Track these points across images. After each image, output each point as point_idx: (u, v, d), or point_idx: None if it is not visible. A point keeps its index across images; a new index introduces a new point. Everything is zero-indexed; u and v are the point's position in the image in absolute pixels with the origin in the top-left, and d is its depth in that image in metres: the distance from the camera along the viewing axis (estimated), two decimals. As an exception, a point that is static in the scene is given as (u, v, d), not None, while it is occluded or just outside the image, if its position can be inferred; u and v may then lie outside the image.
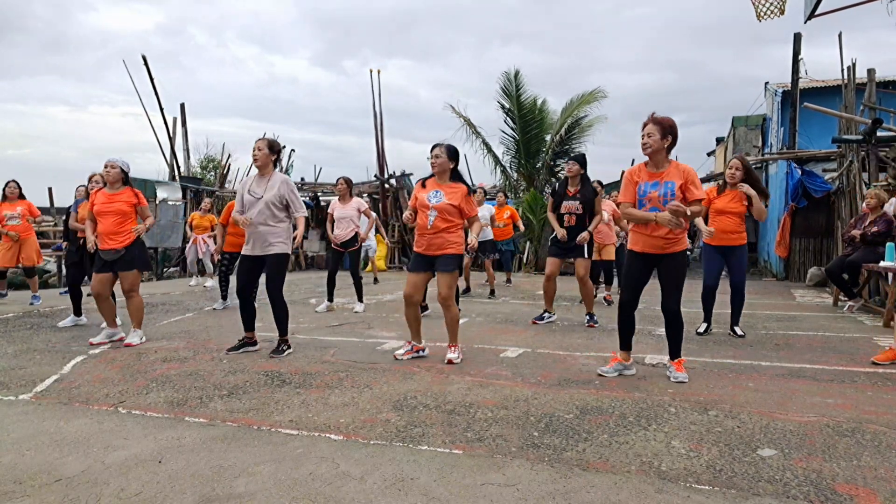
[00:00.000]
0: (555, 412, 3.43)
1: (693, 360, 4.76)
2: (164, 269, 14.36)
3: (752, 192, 5.50)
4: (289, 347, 5.04)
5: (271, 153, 4.96)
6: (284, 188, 4.93)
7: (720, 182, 5.94)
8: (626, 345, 4.30)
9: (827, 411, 3.43)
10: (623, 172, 11.86)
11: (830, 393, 3.83)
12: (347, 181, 7.74)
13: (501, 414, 3.40)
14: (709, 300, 5.92)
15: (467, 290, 9.67)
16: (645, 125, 4.00)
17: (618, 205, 4.58)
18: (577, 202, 6.27)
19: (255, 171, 5.08)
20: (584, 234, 6.24)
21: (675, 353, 4.22)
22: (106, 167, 5.45)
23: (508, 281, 11.38)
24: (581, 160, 6.42)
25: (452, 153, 4.69)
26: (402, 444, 2.96)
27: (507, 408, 3.51)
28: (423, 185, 4.73)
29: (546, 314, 6.70)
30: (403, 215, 5.01)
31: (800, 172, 11.85)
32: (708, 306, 5.94)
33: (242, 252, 5.01)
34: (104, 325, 5.65)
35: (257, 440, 3.04)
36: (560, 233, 6.29)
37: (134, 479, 2.57)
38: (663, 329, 6.07)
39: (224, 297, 7.92)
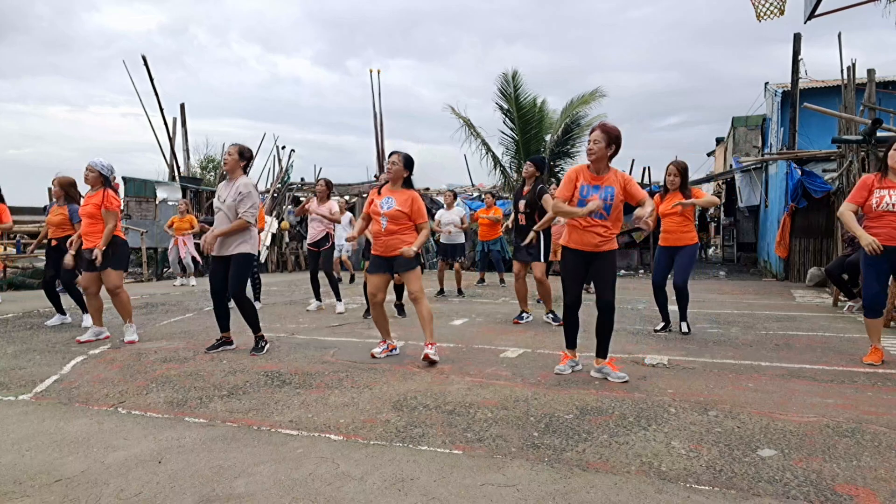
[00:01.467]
0: (555, 412, 3.43)
1: (693, 360, 4.76)
2: (164, 270, 14.36)
3: (689, 202, 5.80)
4: (266, 343, 5.15)
5: (241, 159, 5.03)
6: (241, 190, 4.95)
7: (662, 189, 6.23)
8: (573, 343, 4.41)
9: (827, 411, 3.43)
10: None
11: (830, 393, 3.83)
12: (328, 184, 7.84)
13: (501, 414, 3.40)
14: (660, 298, 6.12)
15: (441, 292, 9.67)
16: (593, 131, 4.18)
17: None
18: (524, 202, 6.50)
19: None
20: (532, 235, 6.43)
21: (604, 351, 4.25)
22: (86, 170, 5.55)
23: (502, 281, 11.35)
24: (538, 162, 6.62)
25: (408, 162, 4.82)
26: (402, 445, 2.96)
27: (507, 408, 3.51)
28: (379, 192, 4.84)
29: (524, 314, 6.81)
30: (355, 227, 5.18)
31: (800, 173, 11.85)
32: (661, 304, 6.14)
33: (212, 253, 5.09)
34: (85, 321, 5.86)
35: (257, 440, 3.04)
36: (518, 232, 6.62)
37: (134, 480, 2.58)
38: (663, 329, 6.14)
39: None
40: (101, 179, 5.54)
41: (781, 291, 10.57)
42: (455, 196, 10.60)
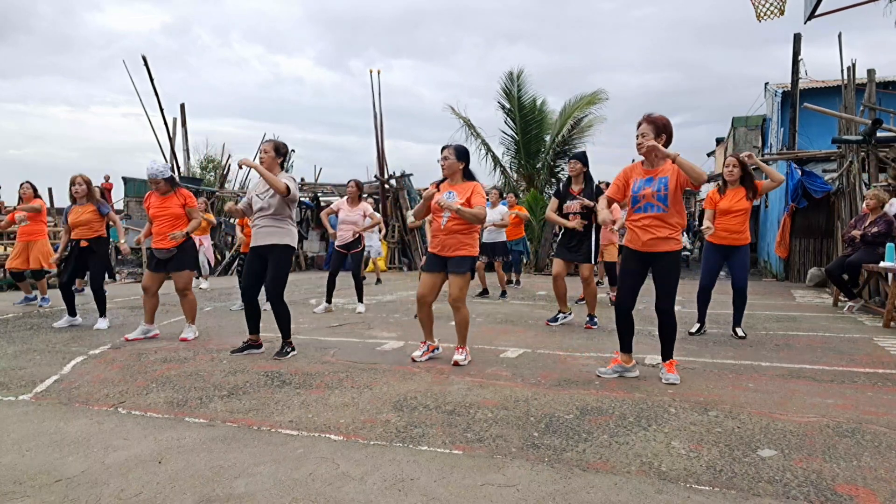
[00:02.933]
0: (555, 413, 3.43)
1: (693, 360, 4.76)
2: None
3: (757, 162, 5.55)
4: (293, 350, 5.00)
5: (277, 155, 4.94)
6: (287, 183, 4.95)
7: (719, 183, 5.95)
8: (627, 346, 4.28)
9: (827, 411, 3.43)
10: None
11: (830, 393, 3.83)
12: (359, 184, 7.74)
13: (501, 414, 3.40)
14: (703, 300, 5.91)
15: (484, 291, 9.62)
16: (640, 124, 4.02)
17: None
18: (580, 203, 6.14)
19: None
20: (578, 222, 6.13)
21: (667, 354, 4.19)
22: (150, 182, 5.71)
23: (517, 282, 11.33)
24: (582, 158, 6.30)
25: (461, 153, 4.66)
26: (402, 445, 2.96)
27: (507, 408, 3.51)
28: (437, 188, 4.64)
29: (560, 315, 6.62)
30: (413, 211, 4.99)
31: (800, 173, 11.85)
32: (702, 306, 5.94)
33: (251, 245, 5.01)
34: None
35: (257, 440, 3.04)
36: (571, 224, 6.14)
37: (134, 480, 2.57)
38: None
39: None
40: (170, 182, 5.71)
41: (781, 291, 10.57)
42: (501, 195, 10.42)
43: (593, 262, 6.33)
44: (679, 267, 4.16)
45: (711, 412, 3.42)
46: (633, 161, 4.40)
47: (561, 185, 6.44)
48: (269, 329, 5.51)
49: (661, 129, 3.97)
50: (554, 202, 6.44)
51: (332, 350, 5.20)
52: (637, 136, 4.01)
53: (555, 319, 6.61)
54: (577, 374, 4.33)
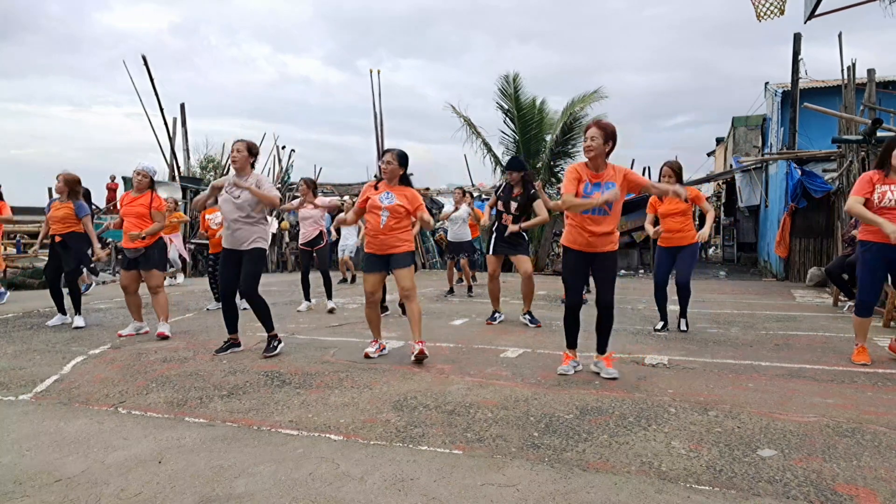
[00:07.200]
0: (555, 412, 3.43)
1: (693, 360, 4.76)
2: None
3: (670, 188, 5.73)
4: (279, 343, 5.04)
5: (250, 155, 5.01)
6: (261, 183, 4.98)
7: None
8: (573, 343, 4.44)
9: (827, 411, 3.43)
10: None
11: (830, 393, 3.83)
12: (307, 182, 7.86)
13: (501, 414, 3.40)
14: (661, 297, 6.18)
15: (451, 291, 9.71)
16: (588, 129, 4.20)
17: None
18: (516, 203, 6.37)
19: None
20: (513, 228, 6.33)
21: (603, 347, 4.33)
22: (138, 175, 5.83)
23: (473, 278, 11.31)
24: (517, 166, 6.50)
25: (403, 160, 4.86)
26: (402, 445, 2.96)
27: (507, 408, 3.51)
28: (375, 188, 4.86)
29: (497, 314, 6.69)
30: (341, 216, 5.41)
31: (799, 173, 11.84)
32: (662, 304, 6.20)
33: (223, 245, 5.03)
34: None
35: (257, 440, 3.04)
36: (509, 224, 6.35)
37: (134, 480, 2.58)
38: (663, 330, 6.15)
39: (217, 299, 7.95)
40: (150, 182, 5.85)
41: (781, 291, 10.57)
42: (464, 193, 10.37)
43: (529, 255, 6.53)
44: (617, 264, 4.38)
45: (711, 412, 3.42)
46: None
47: (503, 185, 6.60)
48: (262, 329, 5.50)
49: (610, 135, 4.14)
50: (493, 199, 6.70)
51: (332, 350, 5.20)
52: (586, 139, 4.16)
53: (493, 318, 6.64)
54: (577, 374, 4.33)
